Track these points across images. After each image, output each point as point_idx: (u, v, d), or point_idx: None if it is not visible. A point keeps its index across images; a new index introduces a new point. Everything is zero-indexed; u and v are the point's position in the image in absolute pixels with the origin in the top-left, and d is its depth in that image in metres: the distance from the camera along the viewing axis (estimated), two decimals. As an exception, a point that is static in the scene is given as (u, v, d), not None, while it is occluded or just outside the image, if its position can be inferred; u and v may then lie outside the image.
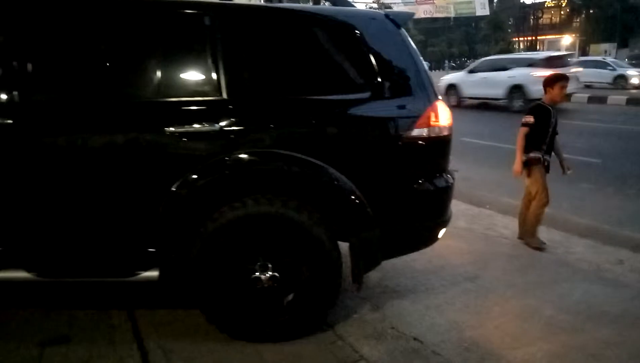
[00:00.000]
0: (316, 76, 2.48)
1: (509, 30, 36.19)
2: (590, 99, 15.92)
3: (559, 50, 26.52)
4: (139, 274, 2.38)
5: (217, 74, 2.33)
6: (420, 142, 2.44)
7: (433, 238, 2.69)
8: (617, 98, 15.63)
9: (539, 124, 3.78)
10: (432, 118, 2.44)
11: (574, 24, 32.07)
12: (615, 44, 30.96)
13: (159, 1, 2.45)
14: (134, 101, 2.35)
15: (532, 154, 3.80)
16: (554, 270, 3.49)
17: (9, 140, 2.24)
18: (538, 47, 34.98)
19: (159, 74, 2.31)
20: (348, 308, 2.87)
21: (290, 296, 2.46)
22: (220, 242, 2.33)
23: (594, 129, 10.30)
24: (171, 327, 2.64)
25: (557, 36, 28.25)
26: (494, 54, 25.81)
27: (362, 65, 2.44)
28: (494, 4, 38.32)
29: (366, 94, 2.45)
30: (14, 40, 2.28)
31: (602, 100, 15.68)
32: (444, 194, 2.59)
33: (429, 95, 2.49)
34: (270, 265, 2.40)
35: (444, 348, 2.49)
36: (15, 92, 2.26)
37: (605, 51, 30.19)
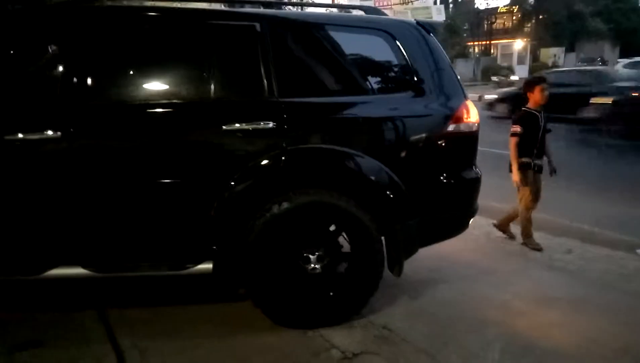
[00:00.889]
0: (360, 78, 2.70)
1: (465, 35, 37.35)
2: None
3: (511, 54, 27.61)
4: (194, 267, 2.49)
5: (269, 77, 2.49)
6: (455, 137, 2.67)
7: (464, 226, 2.89)
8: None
9: (528, 130, 3.83)
10: (465, 115, 2.67)
11: (525, 29, 33.45)
12: (564, 49, 32.52)
13: (216, 11, 2.70)
14: (196, 100, 2.48)
15: (523, 160, 3.84)
16: (509, 259, 3.71)
17: (79, 139, 2.33)
18: (492, 52, 36.28)
19: (217, 76, 2.47)
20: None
21: (337, 283, 2.63)
22: (274, 232, 2.47)
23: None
24: (145, 326, 2.67)
25: (509, 40, 29.47)
26: (451, 58, 26.47)
27: (401, 67, 2.68)
28: (450, 10, 39.47)
29: (405, 94, 2.68)
30: (90, 48, 2.43)
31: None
32: (475, 185, 2.81)
33: (460, 94, 2.74)
34: (319, 253, 2.58)
35: (411, 334, 2.63)
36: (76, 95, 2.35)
37: (555, 55, 31.64)
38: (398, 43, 2.67)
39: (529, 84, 4.02)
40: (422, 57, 2.70)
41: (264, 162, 2.43)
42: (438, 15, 31.52)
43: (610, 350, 2.50)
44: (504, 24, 36.42)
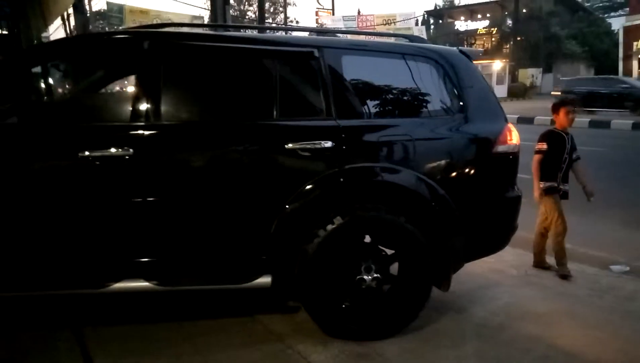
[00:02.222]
0: (410, 101, 2.85)
1: (446, 56, 38.03)
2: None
3: (490, 74, 28.24)
4: (254, 280, 2.57)
5: (327, 99, 2.64)
6: (499, 158, 2.81)
7: (506, 242, 3.00)
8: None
9: (553, 150, 3.75)
10: (508, 137, 2.82)
11: (504, 50, 34.27)
12: (541, 69, 33.38)
13: (279, 38, 2.94)
14: (261, 120, 2.65)
15: (548, 184, 3.75)
16: (485, 276, 3.76)
17: (150, 157, 2.44)
18: (472, 72, 36.83)
19: (280, 98, 2.62)
20: (296, 317, 2.97)
21: (388, 297, 2.73)
22: (331, 247, 2.57)
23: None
24: (119, 344, 2.64)
25: (489, 61, 30.19)
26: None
27: (448, 92, 2.84)
28: (431, 31, 40.33)
29: (453, 117, 2.80)
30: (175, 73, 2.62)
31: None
32: (517, 204, 2.91)
33: (501, 117, 2.91)
34: (374, 267, 2.66)
35: (387, 350, 2.64)
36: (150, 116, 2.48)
37: (532, 75, 32.43)
38: (445, 69, 2.83)
39: (555, 106, 3.96)
40: (466, 82, 2.84)
41: (323, 180, 2.54)
42: (420, 35, 32.15)
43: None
44: (483, 45, 37.27)
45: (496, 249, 3.00)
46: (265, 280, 2.58)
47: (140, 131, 2.46)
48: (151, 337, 2.73)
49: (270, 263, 2.58)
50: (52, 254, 2.46)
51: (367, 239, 2.71)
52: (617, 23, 33.34)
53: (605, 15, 39.42)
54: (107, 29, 39.47)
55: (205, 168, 2.53)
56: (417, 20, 36.79)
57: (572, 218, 3.85)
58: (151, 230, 2.49)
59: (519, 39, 31.80)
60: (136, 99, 2.51)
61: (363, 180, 2.64)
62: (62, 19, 14.54)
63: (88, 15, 14.36)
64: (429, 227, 2.68)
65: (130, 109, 2.50)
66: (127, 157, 2.39)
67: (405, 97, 2.83)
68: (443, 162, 2.72)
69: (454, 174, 2.71)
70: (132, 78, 2.62)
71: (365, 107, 2.76)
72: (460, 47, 3.10)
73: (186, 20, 21.63)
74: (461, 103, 2.81)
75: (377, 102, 2.80)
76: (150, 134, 2.47)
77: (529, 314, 3.10)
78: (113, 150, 2.39)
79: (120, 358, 2.53)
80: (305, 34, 3.36)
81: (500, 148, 2.79)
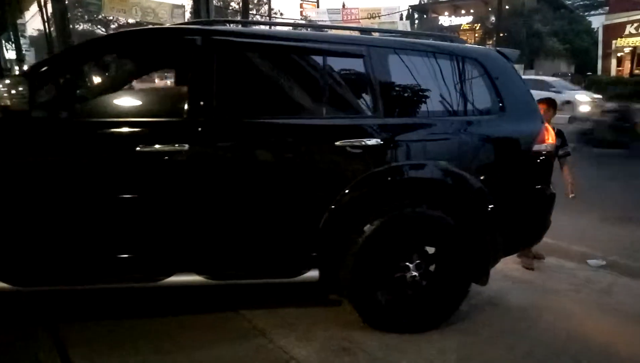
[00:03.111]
0: (453, 101, 2.85)
1: (429, 51, 38.22)
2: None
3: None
4: (302, 274, 2.62)
5: (375, 98, 2.69)
6: (539, 156, 2.87)
7: (540, 238, 3.07)
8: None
9: None
10: (546, 136, 2.89)
11: (487, 46, 34.61)
12: (523, 66, 33.80)
13: (330, 36, 2.97)
14: (312, 118, 2.70)
15: None
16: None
17: (205, 152, 2.48)
18: (455, 67, 37.08)
19: (330, 96, 2.70)
20: (279, 311, 2.96)
21: (431, 291, 2.77)
22: (378, 242, 2.62)
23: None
24: (97, 341, 2.60)
25: (472, 57, 30.41)
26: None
27: (490, 91, 2.88)
28: (415, 26, 40.42)
29: (495, 116, 2.86)
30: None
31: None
32: (552, 200, 2.98)
33: (538, 117, 2.97)
34: (417, 262, 2.72)
35: (369, 345, 2.65)
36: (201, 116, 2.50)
37: (515, 72, 32.71)
38: (486, 69, 2.88)
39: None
40: (505, 83, 2.90)
41: (371, 177, 2.58)
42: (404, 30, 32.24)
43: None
44: (467, 40, 37.58)
45: (531, 244, 3.11)
46: (313, 274, 2.63)
47: (195, 127, 2.47)
48: (130, 333, 2.69)
49: (318, 257, 2.62)
50: (106, 248, 2.49)
51: (412, 235, 2.75)
52: (597, 21, 33.89)
53: (586, 13, 39.92)
54: (86, 17, 38.71)
55: (257, 164, 2.57)
56: (401, 15, 36.80)
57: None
58: (204, 224, 2.52)
59: (501, 35, 32.09)
60: (190, 95, 2.53)
61: (409, 177, 2.69)
62: (39, 5, 14.17)
63: (66, 2, 13.98)
64: (471, 223, 2.75)
65: (185, 105, 2.51)
66: (182, 152, 2.42)
67: (448, 97, 2.86)
68: (485, 160, 2.80)
69: (494, 171, 2.79)
70: (186, 74, 2.64)
71: (411, 105, 2.82)
72: (498, 48, 3.16)
73: (167, 10, 21.23)
74: (500, 103, 2.87)
75: (422, 100, 2.84)
76: (204, 130, 2.49)
77: (511, 309, 3.14)
78: (168, 145, 2.41)
79: (99, 355, 2.48)
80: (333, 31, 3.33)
81: (539, 147, 2.87)
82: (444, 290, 2.79)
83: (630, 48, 28.29)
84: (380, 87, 2.70)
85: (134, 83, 3.30)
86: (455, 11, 40.07)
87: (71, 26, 9.33)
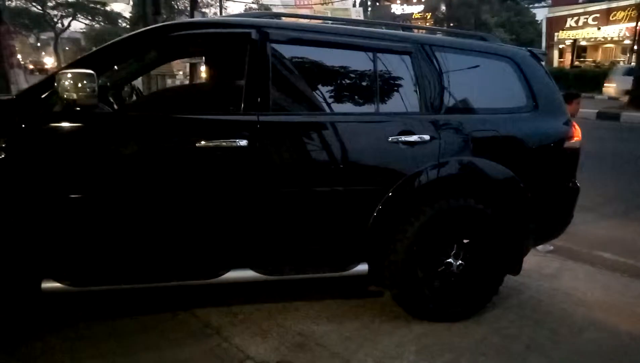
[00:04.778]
0: (494, 97, 2.94)
1: (382, 38, 38.56)
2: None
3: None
4: (353, 268, 2.68)
5: (423, 94, 2.75)
6: (569, 152, 2.99)
7: (563, 230, 3.16)
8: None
9: None
10: (575, 133, 3.00)
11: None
12: (471, 55, 34.71)
13: (381, 33, 2.92)
14: (368, 115, 2.71)
15: None
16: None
17: (263, 148, 2.45)
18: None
19: (383, 92, 2.73)
20: (232, 309, 2.86)
21: (473, 280, 2.87)
22: (425, 235, 2.70)
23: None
24: (37, 343, 2.41)
25: (423, 46, 31.01)
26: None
27: (524, 89, 2.96)
28: (368, 13, 40.58)
29: (530, 113, 2.94)
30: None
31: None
32: (577, 195, 3.10)
33: (566, 114, 3.06)
34: (458, 254, 2.81)
35: (327, 340, 2.60)
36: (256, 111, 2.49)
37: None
38: (520, 68, 2.97)
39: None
40: (537, 81, 2.99)
41: (422, 172, 2.64)
42: (356, 17, 32.29)
43: (513, 345, 2.62)
44: (418, 29, 38.13)
45: (556, 236, 3.21)
46: (362, 267, 2.69)
47: (254, 123, 2.46)
48: (73, 335, 2.51)
49: (367, 251, 2.67)
50: (165, 245, 2.47)
51: (457, 228, 2.81)
52: (541, 14, 35.30)
53: (530, 5, 41.47)
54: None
55: (312, 161, 2.57)
56: (354, 2, 36.84)
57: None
58: (261, 219, 2.52)
59: (451, 25, 32.81)
60: (247, 90, 2.50)
61: (456, 172, 2.72)
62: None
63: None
64: (509, 215, 2.84)
65: (243, 100, 2.50)
66: (240, 148, 2.41)
67: (489, 94, 2.94)
68: (521, 156, 2.88)
69: (530, 167, 2.88)
70: (242, 68, 2.56)
71: (456, 102, 2.85)
72: (529, 48, 3.23)
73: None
74: (534, 101, 2.95)
75: (466, 98, 2.89)
76: (262, 126, 2.47)
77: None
78: (228, 141, 2.41)
79: (39, 358, 2.30)
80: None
81: (570, 144, 2.98)
82: (483, 279, 2.90)
83: (571, 40, 29.67)
84: (428, 84, 2.77)
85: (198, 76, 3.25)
86: (407, 0, 40.51)
87: (1, 1, 8.65)
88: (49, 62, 52.29)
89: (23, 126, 2.23)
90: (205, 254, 2.54)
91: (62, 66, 3.12)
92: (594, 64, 28.04)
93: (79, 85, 2.16)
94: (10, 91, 8.39)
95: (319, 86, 2.71)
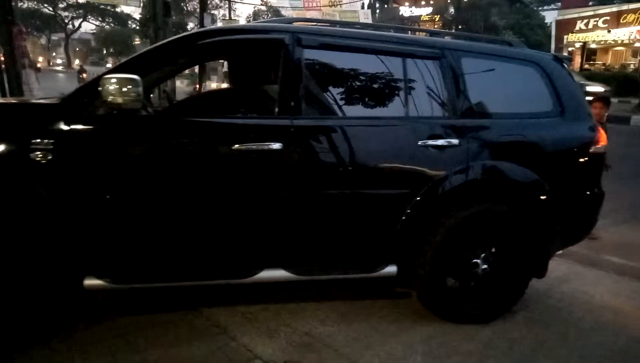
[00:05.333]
0: (522, 102, 2.96)
1: (390, 41, 38.48)
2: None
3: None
4: (381, 270, 2.72)
5: (452, 99, 2.78)
6: (594, 157, 2.99)
7: (588, 234, 3.19)
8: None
9: None
10: (600, 138, 3.02)
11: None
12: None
13: (411, 39, 3.00)
14: (398, 119, 2.72)
15: None
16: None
17: (297, 151, 2.51)
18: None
19: (412, 96, 2.75)
20: (239, 308, 2.88)
21: (499, 282, 2.89)
22: (453, 237, 2.73)
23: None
24: (45, 342, 2.43)
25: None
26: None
27: (551, 94, 2.97)
28: (377, 15, 40.58)
29: (557, 119, 2.95)
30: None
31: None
32: (602, 199, 3.12)
33: (591, 119, 3.07)
34: (485, 257, 2.84)
35: (334, 340, 2.61)
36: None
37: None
38: (547, 73, 2.99)
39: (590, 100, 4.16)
40: (564, 86, 3.00)
41: (451, 175, 2.67)
42: (365, 19, 32.29)
43: (521, 348, 2.62)
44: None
45: (580, 240, 3.21)
46: (391, 269, 2.73)
47: (287, 127, 2.52)
48: (81, 332, 2.55)
49: (396, 253, 2.71)
50: (202, 245, 2.53)
51: (484, 231, 2.84)
52: (550, 16, 35.09)
53: (540, 8, 41.26)
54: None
55: (345, 164, 2.58)
56: (363, 4, 36.80)
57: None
58: (294, 221, 2.57)
59: (460, 27, 32.73)
60: (281, 95, 2.56)
61: (484, 176, 2.74)
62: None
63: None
64: (536, 219, 2.85)
65: (277, 104, 2.56)
66: (274, 151, 2.46)
67: (516, 99, 2.97)
68: (549, 160, 2.89)
69: (556, 171, 2.90)
70: (276, 73, 2.64)
71: (484, 107, 2.86)
72: (554, 54, 3.26)
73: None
74: (560, 106, 2.97)
75: (493, 102, 2.90)
76: (296, 130, 2.53)
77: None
78: (263, 144, 2.46)
79: (47, 357, 2.33)
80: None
81: (595, 148, 2.99)
82: (509, 282, 2.92)
83: (581, 43, 29.47)
84: (456, 89, 2.80)
85: (233, 81, 3.42)
86: (415, 2, 40.47)
87: (14, 3, 8.75)
88: (60, 62, 52.66)
89: (69, 128, 2.31)
90: (241, 254, 2.59)
91: (75, 65, 3.18)
92: (603, 67, 27.83)
93: (124, 89, 2.23)
94: (23, 92, 8.49)
95: (350, 91, 2.75)
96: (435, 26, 38.02)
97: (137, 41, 58.51)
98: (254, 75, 3.41)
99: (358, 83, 2.76)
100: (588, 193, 3.03)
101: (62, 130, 2.30)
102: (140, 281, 2.50)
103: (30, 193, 2.26)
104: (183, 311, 2.83)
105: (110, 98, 2.23)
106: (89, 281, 2.41)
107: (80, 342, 2.47)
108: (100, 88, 2.25)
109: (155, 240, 2.47)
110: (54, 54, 59.48)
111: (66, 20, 54.44)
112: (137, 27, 50.49)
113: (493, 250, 2.86)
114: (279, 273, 2.60)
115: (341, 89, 2.73)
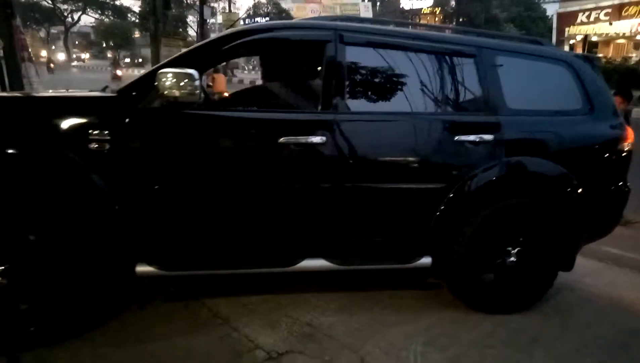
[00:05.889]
0: (554, 100, 3.01)
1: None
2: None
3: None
4: (417, 261, 2.78)
5: (486, 95, 2.84)
6: (622, 154, 3.06)
7: (611, 230, 3.24)
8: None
9: None
10: (629, 136, 3.09)
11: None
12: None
13: (450, 37, 3.07)
14: (437, 115, 2.80)
15: None
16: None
17: (339, 144, 2.57)
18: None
19: (450, 92, 2.83)
20: (241, 299, 2.90)
21: (529, 274, 2.94)
22: (488, 229, 2.80)
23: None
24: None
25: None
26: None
27: (581, 93, 3.02)
28: (377, 8, 40.40)
29: (587, 116, 3.01)
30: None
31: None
32: (627, 196, 3.18)
33: (619, 117, 3.15)
34: (516, 249, 2.89)
35: (336, 331, 2.63)
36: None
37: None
38: (577, 72, 3.04)
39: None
40: (593, 85, 3.06)
41: (486, 170, 2.73)
42: (365, 12, 32.16)
43: (521, 338, 2.63)
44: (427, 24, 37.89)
45: (605, 235, 3.26)
46: (426, 260, 2.79)
47: (330, 121, 2.58)
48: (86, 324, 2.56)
49: (431, 245, 2.78)
50: (249, 234, 2.61)
51: (516, 224, 2.89)
52: (552, 9, 34.93)
53: (541, 0, 41.06)
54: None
55: (385, 157, 2.65)
56: (363, -4, 36.62)
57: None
58: (335, 212, 2.63)
59: (461, 20, 32.61)
60: (324, 90, 2.63)
61: (518, 171, 2.81)
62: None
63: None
64: (566, 214, 2.91)
65: (320, 99, 2.63)
66: (317, 144, 2.53)
67: (547, 97, 3.01)
68: (578, 157, 2.95)
69: (586, 167, 2.96)
70: (319, 69, 2.71)
71: (517, 104, 2.90)
72: (583, 54, 3.29)
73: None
74: (589, 104, 3.02)
75: (525, 100, 2.94)
76: (338, 124, 2.59)
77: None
78: (307, 138, 2.53)
79: (52, 347, 2.34)
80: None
81: (623, 146, 3.05)
82: (538, 274, 2.96)
83: (582, 36, 29.33)
84: (491, 86, 2.85)
85: (278, 76, 3.44)
86: (416, -6, 40.21)
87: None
88: (60, 56, 52.52)
89: (126, 120, 2.39)
90: (283, 243, 2.67)
91: (109, 56, 3.20)
92: (605, 60, 27.75)
93: (181, 83, 2.32)
94: (23, 85, 8.47)
95: (390, 87, 2.82)
96: (436, 19, 37.88)
97: (136, 34, 58.36)
98: (302, 70, 3.46)
99: (397, 79, 2.82)
100: (615, 189, 3.08)
101: (118, 122, 2.38)
102: (188, 269, 2.60)
103: (90, 184, 2.34)
104: (185, 301, 2.85)
105: (167, 92, 2.33)
106: (141, 268, 2.49)
107: (86, 332, 2.48)
108: (156, 83, 2.34)
109: (203, 230, 2.56)
110: (53, 47, 59.27)
111: (65, 14, 54.24)
112: (137, 20, 50.33)
113: (524, 242, 2.91)
114: (319, 263, 2.68)
115: (381, 85, 2.82)
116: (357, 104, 2.74)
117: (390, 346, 2.52)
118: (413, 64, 2.82)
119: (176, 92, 2.33)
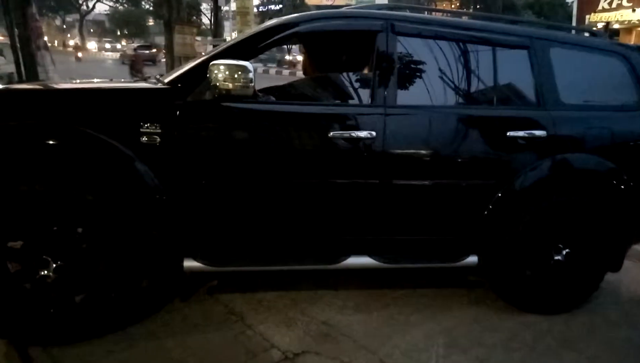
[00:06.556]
0: (608, 94, 2.90)
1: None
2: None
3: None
4: (463, 260, 2.70)
5: (538, 90, 2.72)
6: None
7: None
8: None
9: None
10: None
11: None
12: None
13: (500, 28, 2.89)
14: (487, 109, 2.72)
15: None
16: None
17: (390, 139, 2.49)
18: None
19: (501, 86, 2.74)
20: (256, 295, 2.83)
21: (576, 274, 2.84)
22: (536, 228, 2.72)
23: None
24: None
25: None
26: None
27: (636, 87, 2.90)
28: (392, -6, 39.77)
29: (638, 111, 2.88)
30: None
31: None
32: None
33: None
34: (568, 248, 2.80)
35: (353, 330, 2.54)
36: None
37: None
38: (633, 65, 2.91)
39: None
40: None
41: (537, 167, 2.64)
42: (381, 0, 31.74)
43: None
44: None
45: None
46: (472, 259, 2.71)
47: (381, 115, 2.51)
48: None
49: (479, 244, 2.71)
50: (294, 230, 2.57)
51: (564, 222, 2.79)
52: (572, -5, 34.04)
53: (561, -13, 40.01)
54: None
55: (435, 152, 2.58)
56: (378, -17, 36.16)
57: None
58: (383, 209, 2.56)
59: (478, 7, 31.99)
60: (375, 82, 2.55)
61: (571, 168, 2.73)
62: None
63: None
64: (617, 213, 2.82)
65: (370, 92, 2.57)
66: (367, 139, 2.46)
67: (601, 90, 2.91)
68: (632, 154, 2.84)
69: (637, 164, 2.84)
70: (369, 61, 2.63)
71: (571, 98, 2.79)
72: (638, 45, 3.16)
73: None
74: None
75: (579, 93, 2.84)
76: (389, 118, 2.51)
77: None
78: (357, 132, 2.46)
79: (66, 346, 2.29)
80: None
81: None
82: (585, 274, 2.86)
83: (603, 24, 28.57)
84: (544, 79, 2.74)
85: (328, 69, 3.27)
86: (432, -20, 39.52)
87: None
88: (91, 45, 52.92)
89: (177, 113, 2.32)
90: (330, 240, 2.60)
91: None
92: (627, 48, 27.05)
93: (235, 76, 2.25)
94: (37, 73, 8.47)
95: (442, 79, 2.70)
96: (452, 5, 37.24)
97: (150, 22, 58.40)
98: (344, 62, 3.37)
99: (449, 72, 2.71)
100: None
101: (169, 114, 2.32)
102: (235, 264, 2.55)
103: (143, 177, 2.29)
104: (200, 297, 2.80)
105: (219, 84, 2.26)
106: (188, 263, 2.45)
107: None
108: (208, 75, 2.27)
109: (250, 226, 2.51)
110: (68, 35, 59.64)
111: (80, 1, 54.44)
112: (151, 8, 50.30)
113: (572, 241, 2.81)
114: (365, 260, 2.61)
115: (432, 78, 2.70)
116: (408, 98, 2.62)
117: (410, 347, 2.43)
118: (464, 55, 2.73)
119: (229, 85, 2.26)
